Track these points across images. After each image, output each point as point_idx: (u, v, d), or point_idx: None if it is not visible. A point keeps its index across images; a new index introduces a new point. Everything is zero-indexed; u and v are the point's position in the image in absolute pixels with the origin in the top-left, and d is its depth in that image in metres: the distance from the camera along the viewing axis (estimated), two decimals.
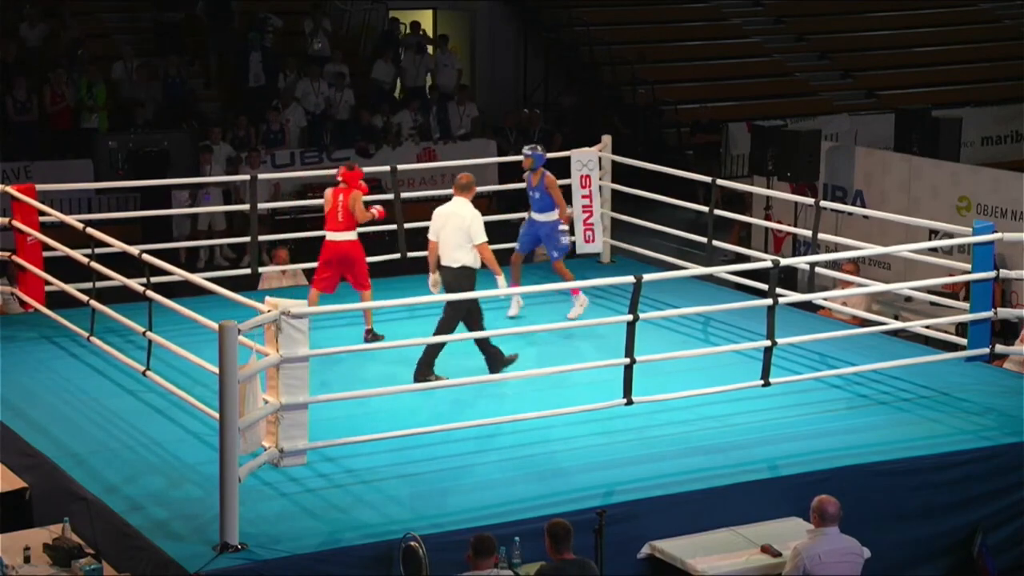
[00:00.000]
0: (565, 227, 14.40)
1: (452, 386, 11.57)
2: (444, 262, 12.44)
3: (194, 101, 23.95)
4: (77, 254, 13.01)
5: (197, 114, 23.56)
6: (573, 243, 14.99)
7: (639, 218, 16.29)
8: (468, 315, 12.25)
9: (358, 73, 25.02)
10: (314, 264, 15.49)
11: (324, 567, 9.19)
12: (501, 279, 12.61)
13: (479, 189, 13.23)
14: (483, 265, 12.48)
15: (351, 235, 13.20)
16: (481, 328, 12.20)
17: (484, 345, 12.24)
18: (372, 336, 13.12)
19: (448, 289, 12.35)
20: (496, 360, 12.23)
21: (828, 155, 19.55)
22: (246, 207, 15.35)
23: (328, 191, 13.44)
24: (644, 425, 11.30)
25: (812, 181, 19.11)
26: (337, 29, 26.27)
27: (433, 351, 12.09)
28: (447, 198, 13.45)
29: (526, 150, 14.38)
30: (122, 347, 12.33)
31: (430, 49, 26.49)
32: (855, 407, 11.99)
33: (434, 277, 12.58)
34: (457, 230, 12.39)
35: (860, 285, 14.56)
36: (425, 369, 12.03)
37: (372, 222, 13.62)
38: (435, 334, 12.21)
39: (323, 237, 15.92)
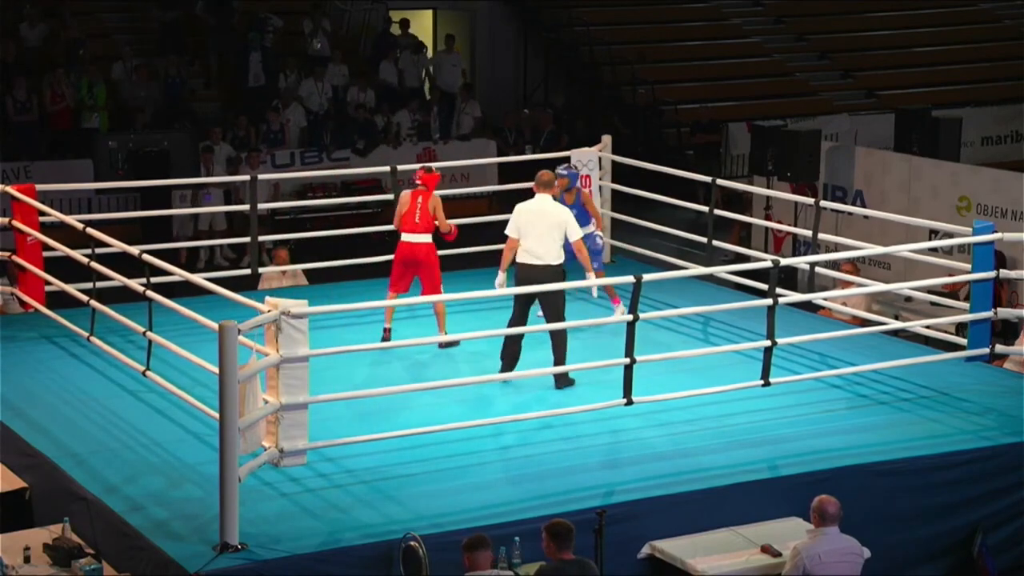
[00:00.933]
0: (600, 237, 14.38)
1: (452, 386, 11.57)
2: (535, 260, 12.18)
3: (194, 101, 23.96)
4: (77, 254, 13.01)
5: (196, 114, 23.55)
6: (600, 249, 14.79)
7: (639, 218, 16.29)
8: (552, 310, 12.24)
9: (358, 73, 25.03)
10: (314, 264, 15.58)
11: (324, 567, 9.19)
12: (592, 275, 12.59)
13: (479, 189, 13.25)
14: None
15: (427, 237, 13.14)
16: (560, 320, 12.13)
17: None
18: (446, 341, 12.92)
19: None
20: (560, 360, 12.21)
21: (828, 155, 19.55)
22: (246, 207, 15.34)
23: (405, 192, 13.37)
24: (644, 425, 11.31)
25: (812, 181, 19.12)
26: (337, 29, 26.28)
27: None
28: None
29: (561, 171, 14.06)
30: (122, 347, 12.33)
31: (428, 49, 26.52)
32: (855, 407, 12.00)
33: (502, 278, 12.42)
34: (554, 227, 12.22)
35: (860, 285, 14.56)
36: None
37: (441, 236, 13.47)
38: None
39: (324, 237, 15.96)
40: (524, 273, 12.26)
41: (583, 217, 14.14)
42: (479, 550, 8.84)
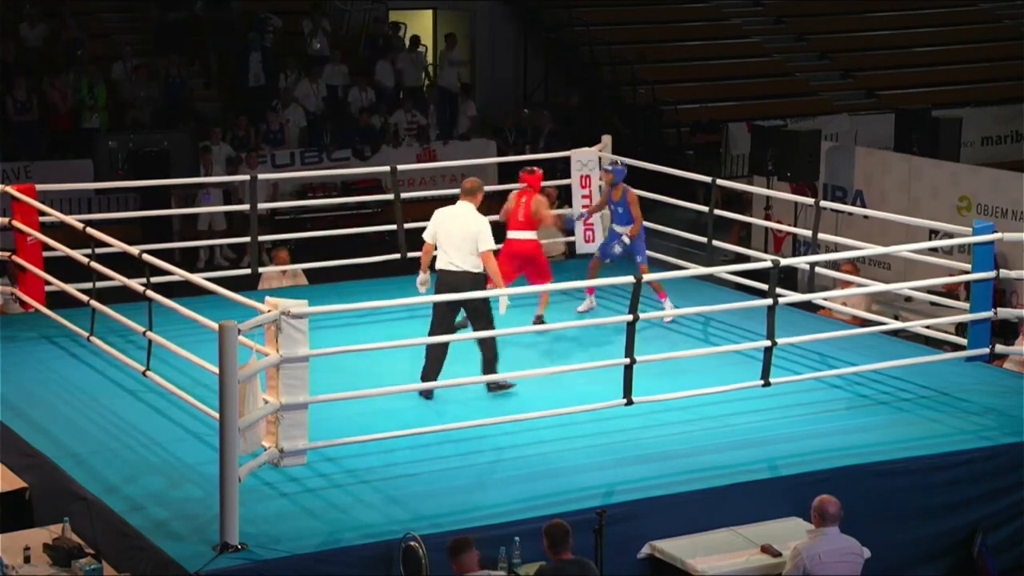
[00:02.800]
0: (627, 240, 14.19)
1: (451, 386, 11.57)
2: (450, 267, 12.04)
3: (194, 101, 23.95)
4: (77, 254, 13.01)
5: (196, 114, 23.55)
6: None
7: None
8: (478, 316, 12.04)
9: (357, 73, 25.02)
10: (314, 264, 15.58)
11: (324, 567, 9.20)
12: (499, 289, 12.30)
13: None
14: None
15: (531, 234, 13.62)
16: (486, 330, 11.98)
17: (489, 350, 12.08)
18: (539, 320, 13.58)
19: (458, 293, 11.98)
20: (490, 367, 12.01)
21: (828, 155, 19.55)
22: (246, 207, 15.34)
23: (513, 193, 13.94)
24: (644, 425, 11.30)
25: (812, 181, 19.12)
26: (337, 29, 26.28)
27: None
28: (446, 198, 13.45)
29: (607, 166, 14.49)
30: (122, 347, 12.33)
31: (425, 49, 26.51)
32: (855, 407, 12.00)
33: (424, 276, 12.34)
34: (468, 235, 12.05)
35: (860, 285, 14.56)
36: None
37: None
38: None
39: (324, 237, 16.01)
40: (443, 279, 12.07)
41: (625, 217, 14.18)
42: (464, 552, 8.82)
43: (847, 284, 15.00)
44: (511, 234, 13.66)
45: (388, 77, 25.25)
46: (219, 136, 22.23)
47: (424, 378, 11.85)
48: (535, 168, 14.02)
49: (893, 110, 23.46)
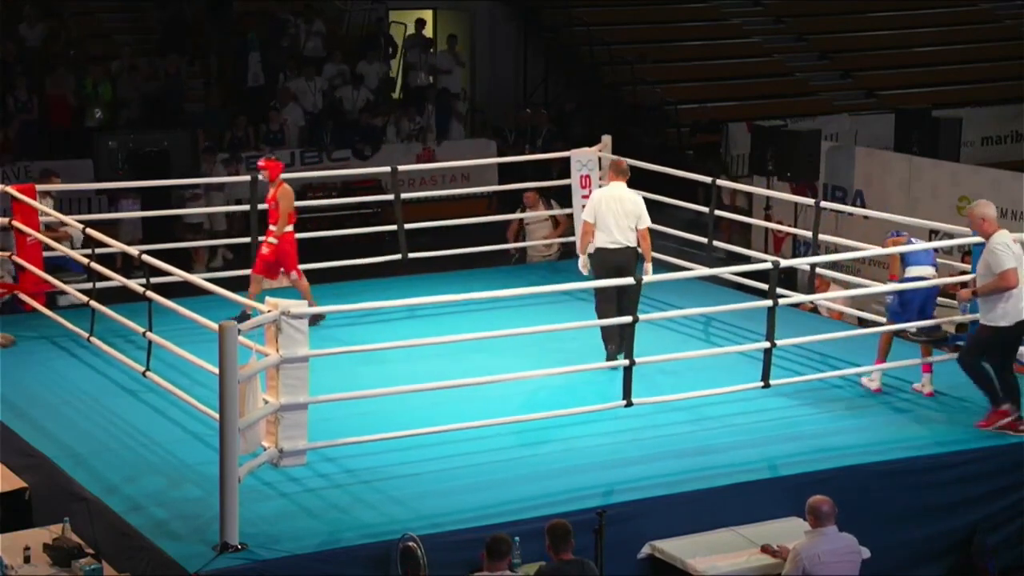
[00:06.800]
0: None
1: (453, 386, 11.57)
2: (612, 244, 12.49)
3: (194, 101, 23.95)
4: (77, 254, 13.01)
5: (196, 114, 23.55)
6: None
7: None
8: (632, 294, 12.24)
9: (354, 73, 24.98)
10: (314, 264, 15.56)
11: (324, 567, 9.20)
12: (649, 265, 12.76)
13: (479, 189, 13.26)
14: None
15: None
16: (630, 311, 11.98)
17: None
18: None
19: (622, 268, 12.35)
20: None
21: (828, 155, 19.56)
22: (246, 207, 15.34)
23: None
24: (644, 425, 11.30)
25: (812, 181, 19.12)
26: (337, 29, 26.26)
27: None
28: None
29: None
30: (122, 347, 12.34)
31: (433, 49, 26.50)
32: (855, 407, 12.00)
33: (585, 259, 12.72)
34: (629, 213, 12.51)
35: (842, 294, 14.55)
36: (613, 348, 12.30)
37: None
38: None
39: (324, 237, 16.09)
40: (605, 256, 12.47)
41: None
42: (497, 557, 8.86)
43: (845, 285, 14.98)
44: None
45: (373, 78, 25.11)
46: (218, 136, 22.20)
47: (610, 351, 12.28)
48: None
49: (893, 110, 23.47)
